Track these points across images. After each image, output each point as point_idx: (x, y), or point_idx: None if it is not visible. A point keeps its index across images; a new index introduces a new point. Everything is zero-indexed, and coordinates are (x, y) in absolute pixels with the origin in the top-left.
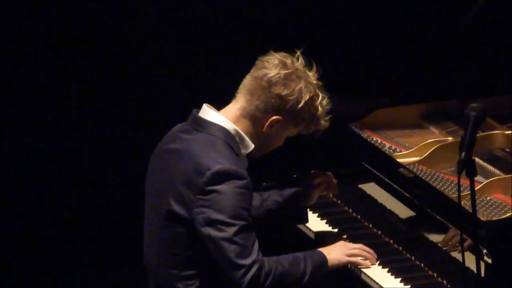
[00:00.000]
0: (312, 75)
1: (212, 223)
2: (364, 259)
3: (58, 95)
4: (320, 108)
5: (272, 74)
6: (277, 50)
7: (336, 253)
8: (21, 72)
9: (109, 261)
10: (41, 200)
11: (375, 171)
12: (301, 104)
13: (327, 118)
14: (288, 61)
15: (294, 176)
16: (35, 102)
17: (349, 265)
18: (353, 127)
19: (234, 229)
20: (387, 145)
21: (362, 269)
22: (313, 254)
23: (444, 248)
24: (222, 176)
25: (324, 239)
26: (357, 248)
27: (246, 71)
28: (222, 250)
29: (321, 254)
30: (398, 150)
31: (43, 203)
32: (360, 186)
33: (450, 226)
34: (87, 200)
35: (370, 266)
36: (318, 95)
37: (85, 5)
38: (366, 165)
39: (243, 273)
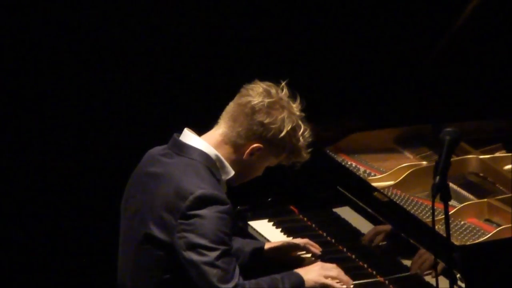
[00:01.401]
0: (295, 106)
1: (194, 247)
2: (340, 283)
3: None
4: (301, 139)
5: (255, 102)
6: (262, 79)
7: (313, 274)
8: (21, 73)
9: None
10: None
11: (349, 195)
12: (282, 134)
13: (308, 150)
14: (273, 90)
15: (269, 199)
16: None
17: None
18: (327, 151)
19: (216, 254)
20: (362, 169)
21: None
22: (290, 275)
23: (416, 272)
24: (204, 201)
25: (300, 262)
26: (334, 270)
27: (230, 98)
28: (204, 275)
29: (298, 275)
30: (372, 174)
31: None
32: (335, 210)
33: (423, 250)
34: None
35: None
36: (300, 126)
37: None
38: (341, 189)
39: None
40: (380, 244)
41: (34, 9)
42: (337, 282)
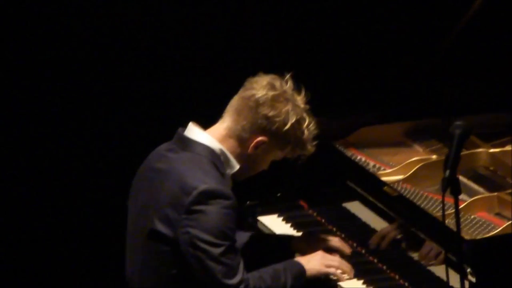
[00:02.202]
0: (300, 99)
1: (198, 243)
2: (342, 272)
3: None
4: (306, 132)
5: (259, 95)
6: (266, 72)
7: (315, 263)
8: (21, 73)
9: (93, 274)
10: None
11: (359, 190)
12: (287, 126)
13: (314, 143)
14: (277, 83)
15: (278, 195)
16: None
17: (324, 277)
18: (337, 145)
19: (220, 249)
20: (371, 163)
21: (340, 282)
22: (292, 265)
23: (426, 265)
24: (208, 196)
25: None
26: (335, 260)
27: (235, 91)
28: (209, 270)
29: (300, 264)
30: (382, 169)
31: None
32: (344, 205)
33: (433, 243)
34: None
35: (347, 278)
36: (305, 119)
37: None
38: (350, 184)
39: None
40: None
41: (34, 8)
42: (339, 272)
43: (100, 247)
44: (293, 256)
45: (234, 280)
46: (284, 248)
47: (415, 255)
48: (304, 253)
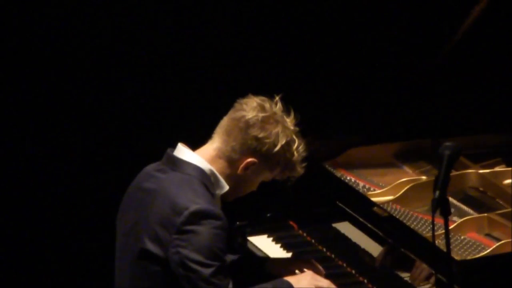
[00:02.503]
0: (289, 121)
1: (189, 263)
2: None
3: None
4: (296, 154)
5: (250, 116)
6: (256, 94)
7: (304, 283)
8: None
9: None
10: None
11: (349, 210)
12: (277, 148)
13: (303, 165)
14: (267, 105)
15: (268, 215)
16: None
17: None
18: (326, 166)
19: (210, 270)
20: (361, 184)
21: None
22: (282, 284)
23: (417, 286)
24: (199, 216)
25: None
26: (325, 281)
27: (224, 113)
28: None
29: (289, 284)
30: (371, 189)
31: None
32: (334, 225)
33: (423, 263)
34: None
35: None
36: (294, 141)
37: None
38: (340, 204)
39: None
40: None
41: (33, 9)
42: None
43: (90, 265)
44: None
45: None
46: (261, 269)
47: (406, 276)
48: (277, 274)
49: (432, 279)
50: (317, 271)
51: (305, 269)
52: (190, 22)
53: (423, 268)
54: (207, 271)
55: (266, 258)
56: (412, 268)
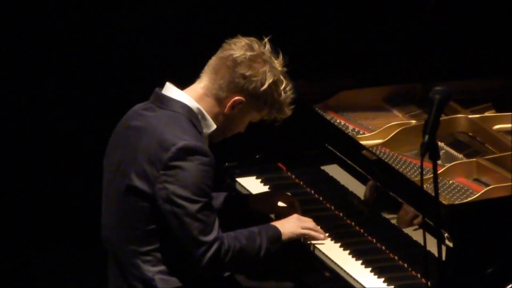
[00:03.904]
0: (277, 62)
1: (175, 199)
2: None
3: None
4: (283, 94)
5: (237, 55)
6: (245, 35)
7: (290, 225)
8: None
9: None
10: None
11: (337, 153)
12: (264, 87)
13: (291, 106)
14: (255, 45)
15: (257, 157)
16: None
17: (302, 240)
18: (316, 109)
19: (197, 206)
20: (350, 127)
21: (317, 245)
22: (268, 228)
23: (403, 229)
24: (187, 152)
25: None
26: (310, 221)
27: (212, 53)
28: (185, 227)
29: (276, 228)
30: (361, 132)
31: None
32: (323, 167)
33: (410, 207)
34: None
35: (323, 239)
36: (282, 81)
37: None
38: (329, 147)
39: (204, 250)
40: (368, 202)
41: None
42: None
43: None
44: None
45: (209, 237)
46: (244, 206)
47: (392, 219)
48: (259, 209)
49: (418, 222)
50: (292, 201)
51: (282, 201)
52: None
53: (409, 211)
54: (193, 207)
55: (247, 195)
56: (399, 210)
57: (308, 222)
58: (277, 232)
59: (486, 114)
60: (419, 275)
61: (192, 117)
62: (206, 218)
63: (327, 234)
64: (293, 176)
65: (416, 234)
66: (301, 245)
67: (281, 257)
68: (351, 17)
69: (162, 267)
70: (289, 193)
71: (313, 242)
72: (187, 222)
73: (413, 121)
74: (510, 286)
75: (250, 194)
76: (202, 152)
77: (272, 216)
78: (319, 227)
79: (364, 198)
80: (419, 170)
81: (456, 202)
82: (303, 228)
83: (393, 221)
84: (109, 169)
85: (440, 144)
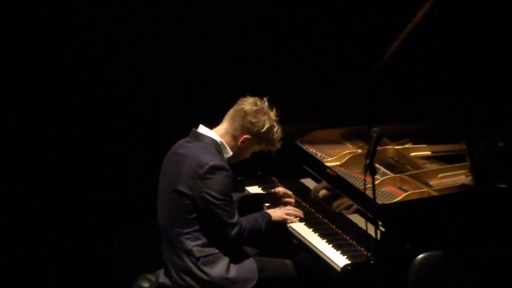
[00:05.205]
0: (273, 113)
1: (209, 198)
2: (295, 217)
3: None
4: (276, 134)
5: (247, 108)
6: (252, 95)
7: (278, 212)
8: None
9: (133, 225)
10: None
11: (311, 171)
12: (264, 129)
13: (280, 142)
14: (259, 102)
15: (258, 173)
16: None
17: (288, 225)
18: (297, 142)
19: (223, 202)
20: (319, 154)
21: (292, 226)
22: (264, 214)
23: (352, 219)
24: (215, 168)
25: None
26: (291, 209)
27: (230, 106)
28: (216, 214)
29: (269, 214)
30: (326, 158)
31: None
32: (301, 180)
33: (358, 205)
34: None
35: (301, 216)
36: (275, 126)
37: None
38: (305, 167)
39: (231, 228)
40: (331, 203)
41: (33, 9)
42: (294, 217)
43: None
44: (263, 208)
45: (234, 220)
46: (259, 200)
47: (346, 213)
48: (270, 202)
49: (351, 209)
50: (286, 193)
51: (277, 190)
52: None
53: (355, 208)
54: (221, 203)
55: (259, 194)
56: (350, 207)
57: (289, 209)
58: (270, 217)
59: (406, 146)
60: (363, 249)
61: (217, 147)
62: (229, 209)
63: (303, 223)
64: (282, 186)
65: (361, 222)
66: (286, 230)
67: (274, 237)
68: (324, 80)
69: (198, 242)
70: (289, 191)
71: (293, 226)
72: (217, 212)
73: (359, 150)
74: (420, 255)
75: (261, 193)
76: (225, 168)
77: (266, 205)
78: (298, 210)
79: (327, 200)
80: (363, 182)
81: (387, 202)
82: (286, 214)
83: (346, 214)
84: (164, 180)
85: (377, 165)
